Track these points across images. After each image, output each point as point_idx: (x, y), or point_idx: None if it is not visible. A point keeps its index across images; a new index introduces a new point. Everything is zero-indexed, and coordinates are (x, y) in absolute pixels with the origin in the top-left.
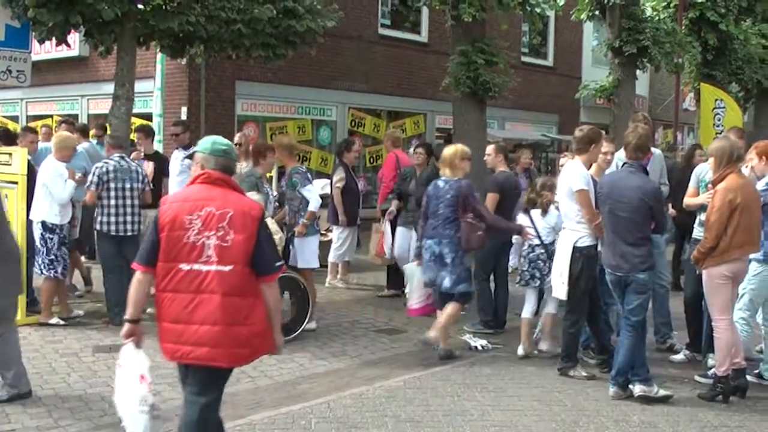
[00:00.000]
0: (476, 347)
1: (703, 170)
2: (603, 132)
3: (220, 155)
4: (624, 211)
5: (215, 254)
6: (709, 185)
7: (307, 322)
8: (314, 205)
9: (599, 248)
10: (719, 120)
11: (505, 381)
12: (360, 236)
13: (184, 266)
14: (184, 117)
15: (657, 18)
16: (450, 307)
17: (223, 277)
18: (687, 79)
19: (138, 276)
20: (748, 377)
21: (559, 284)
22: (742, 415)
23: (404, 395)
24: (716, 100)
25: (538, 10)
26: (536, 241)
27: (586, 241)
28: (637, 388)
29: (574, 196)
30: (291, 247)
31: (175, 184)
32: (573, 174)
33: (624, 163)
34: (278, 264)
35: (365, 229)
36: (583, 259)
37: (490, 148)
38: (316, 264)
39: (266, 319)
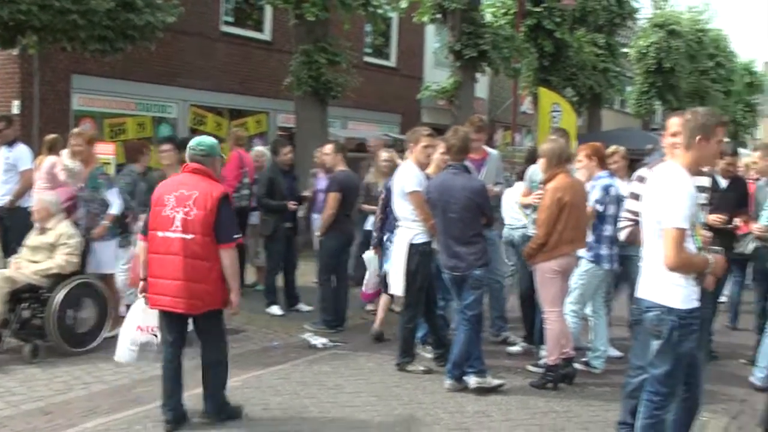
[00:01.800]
0: (316, 345)
1: (535, 171)
2: (424, 130)
3: (196, 153)
4: (454, 212)
5: (181, 225)
6: (540, 185)
7: (109, 329)
8: (117, 208)
9: (434, 245)
10: (556, 123)
11: (344, 378)
12: None
13: (160, 233)
14: (16, 111)
15: (496, 24)
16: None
17: (186, 244)
18: (525, 83)
19: (141, 243)
20: (577, 365)
21: (396, 281)
22: (570, 401)
23: (242, 395)
24: (553, 103)
25: (380, 11)
26: None
27: (421, 238)
28: (472, 380)
29: (407, 197)
30: (89, 251)
31: (0, 182)
32: (406, 175)
33: (448, 165)
34: (235, 236)
35: None
36: (419, 256)
37: (328, 148)
38: (113, 269)
39: (219, 280)
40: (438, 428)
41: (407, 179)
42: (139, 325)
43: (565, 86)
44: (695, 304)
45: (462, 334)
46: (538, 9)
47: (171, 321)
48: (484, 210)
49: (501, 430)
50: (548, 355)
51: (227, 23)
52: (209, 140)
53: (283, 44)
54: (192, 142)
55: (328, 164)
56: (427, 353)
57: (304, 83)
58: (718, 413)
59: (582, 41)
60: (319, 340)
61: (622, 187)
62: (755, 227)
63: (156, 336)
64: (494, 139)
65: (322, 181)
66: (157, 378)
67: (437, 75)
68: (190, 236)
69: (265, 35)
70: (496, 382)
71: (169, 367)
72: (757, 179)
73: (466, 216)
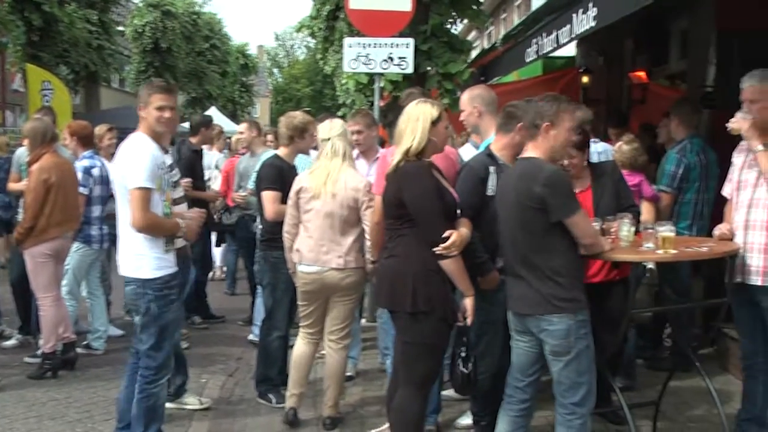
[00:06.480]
0: None
1: (23, 155)
2: None
3: None
4: None
5: None
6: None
7: None
8: None
9: None
10: (48, 101)
11: None
12: None
13: None
14: None
15: None
16: None
17: None
18: (13, 58)
19: None
20: (78, 349)
21: None
22: (71, 386)
23: None
24: (43, 81)
25: None
26: None
27: None
28: None
29: None
30: None
31: None
32: None
33: None
34: None
35: None
36: None
37: None
38: None
39: None
40: None
41: None
42: None
43: (58, 63)
44: (170, 271)
45: None
46: None
47: None
48: None
49: None
50: (45, 342)
51: None
52: None
53: None
54: None
55: None
56: None
57: None
58: (216, 373)
59: (74, 17)
60: None
61: (111, 167)
62: (235, 195)
63: None
64: None
65: None
66: None
67: None
68: None
69: None
70: None
71: None
72: (243, 153)
73: None
